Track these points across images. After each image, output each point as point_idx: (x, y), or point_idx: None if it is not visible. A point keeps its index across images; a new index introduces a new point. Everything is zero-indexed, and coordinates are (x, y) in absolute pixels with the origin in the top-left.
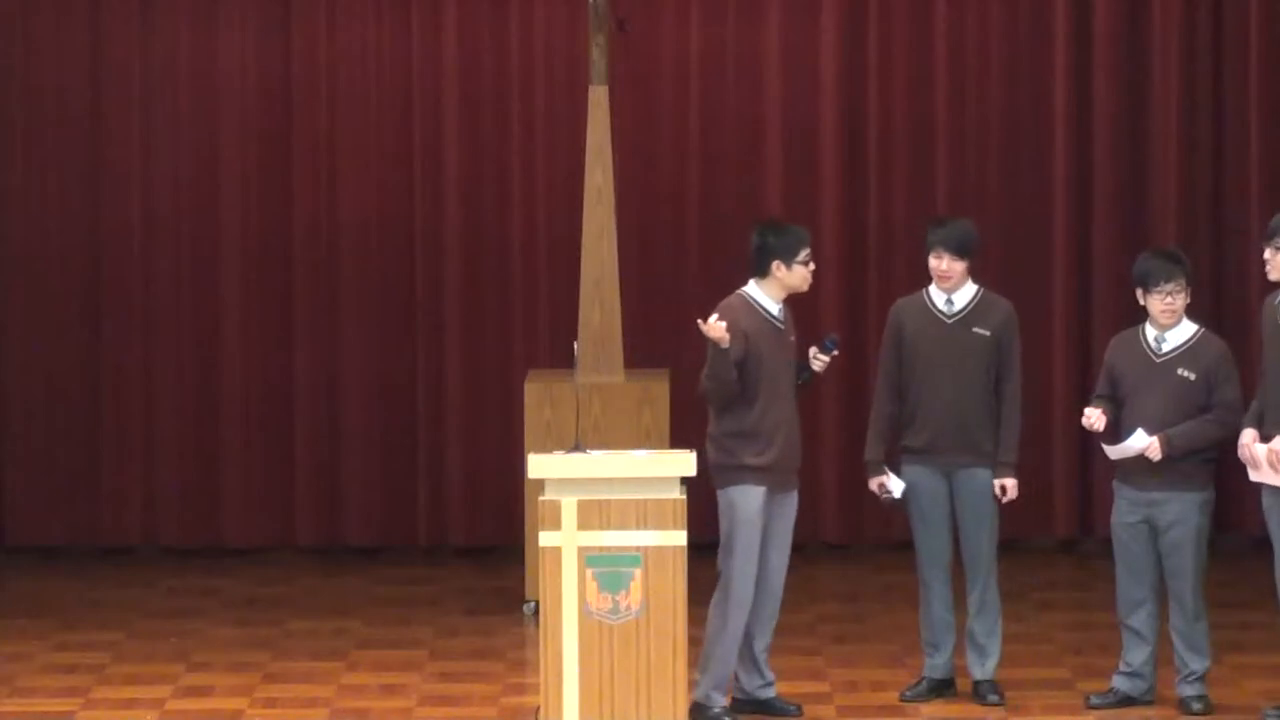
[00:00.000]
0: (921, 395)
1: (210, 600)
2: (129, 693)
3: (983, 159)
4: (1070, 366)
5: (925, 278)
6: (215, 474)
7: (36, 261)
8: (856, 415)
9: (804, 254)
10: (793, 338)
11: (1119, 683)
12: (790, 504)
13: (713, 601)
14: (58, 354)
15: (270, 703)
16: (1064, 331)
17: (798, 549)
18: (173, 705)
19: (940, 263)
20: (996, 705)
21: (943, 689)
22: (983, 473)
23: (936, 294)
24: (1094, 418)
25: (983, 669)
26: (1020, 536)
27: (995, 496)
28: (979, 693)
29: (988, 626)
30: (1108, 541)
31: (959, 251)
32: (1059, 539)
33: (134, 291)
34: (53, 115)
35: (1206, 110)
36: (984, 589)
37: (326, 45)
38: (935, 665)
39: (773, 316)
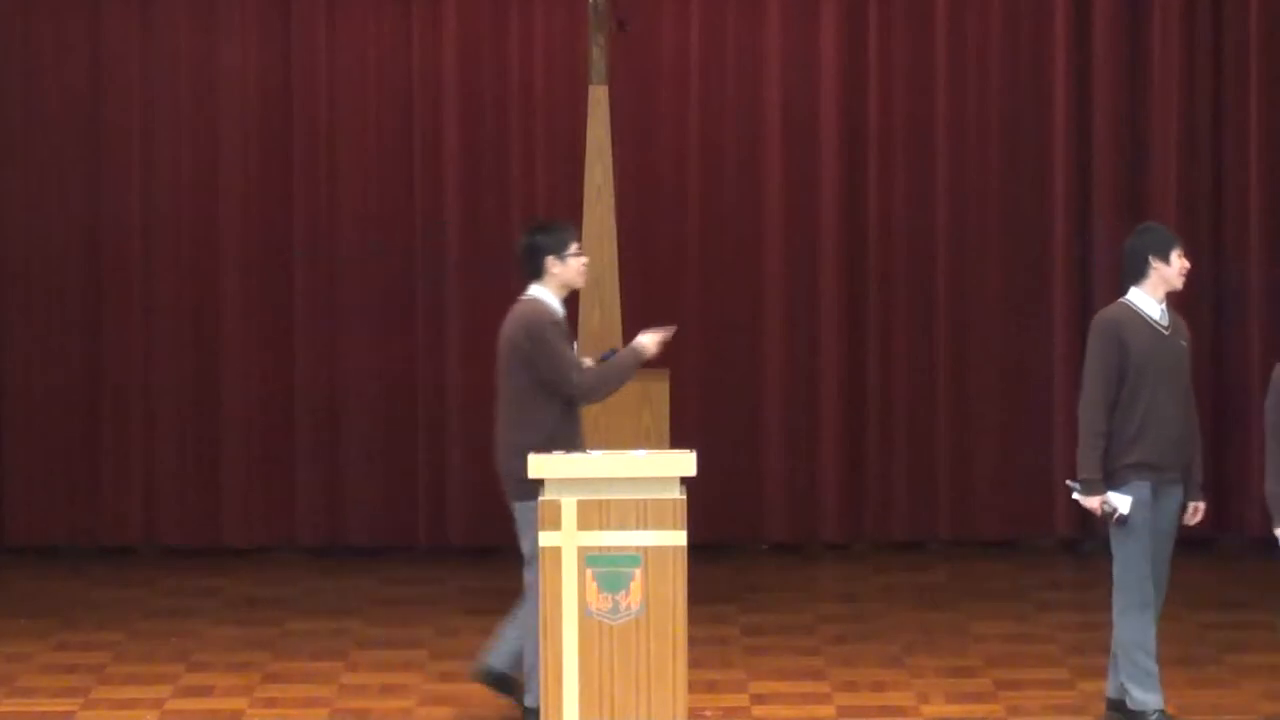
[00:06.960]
0: (1151, 410)
1: (210, 600)
2: (129, 693)
3: (983, 159)
4: (1071, 366)
5: (927, 277)
6: (215, 474)
7: (36, 261)
8: (856, 415)
9: (574, 248)
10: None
11: None
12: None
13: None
14: (58, 354)
15: (270, 703)
16: (1064, 331)
17: (798, 549)
18: (173, 705)
19: (1185, 263)
20: None
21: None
22: (1179, 485)
23: (1149, 304)
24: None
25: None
26: (1020, 537)
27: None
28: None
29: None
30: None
31: None
32: (1059, 539)
33: (134, 292)
34: (53, 115)
35: (1206, 110)
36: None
37: (326, 45)
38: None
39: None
